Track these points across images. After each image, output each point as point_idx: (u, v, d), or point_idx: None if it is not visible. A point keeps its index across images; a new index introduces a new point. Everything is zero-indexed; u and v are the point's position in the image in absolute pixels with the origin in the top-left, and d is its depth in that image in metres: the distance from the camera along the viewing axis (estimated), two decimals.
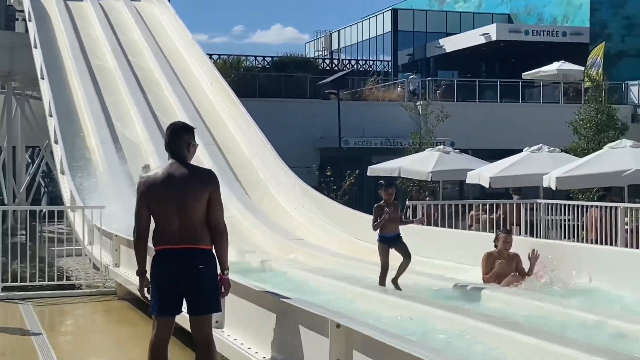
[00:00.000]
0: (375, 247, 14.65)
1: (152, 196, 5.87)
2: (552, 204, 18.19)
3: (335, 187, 27.79)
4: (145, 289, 5.95)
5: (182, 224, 5.77)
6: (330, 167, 28.09)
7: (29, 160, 32.96)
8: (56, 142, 19.45)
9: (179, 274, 5.74)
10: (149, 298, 5.93)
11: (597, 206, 16.34)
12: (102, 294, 12.95)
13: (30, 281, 12.94)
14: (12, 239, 15.63)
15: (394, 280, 10.47)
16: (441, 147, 25.68)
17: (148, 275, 5.95)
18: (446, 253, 12.63)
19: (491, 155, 27.42)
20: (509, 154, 22.60)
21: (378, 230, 10.64)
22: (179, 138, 5.98)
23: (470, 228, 19.82)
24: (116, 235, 12.37)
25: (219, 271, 5.95)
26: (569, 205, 17.47)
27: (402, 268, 10.50)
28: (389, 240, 10.61)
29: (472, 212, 20.09)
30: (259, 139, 20.34)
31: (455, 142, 32.07)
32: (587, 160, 18.47)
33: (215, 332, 6.98)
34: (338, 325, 4.95)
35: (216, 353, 6.04)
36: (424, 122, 31.24)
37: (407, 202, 24.05)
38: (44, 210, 17.74)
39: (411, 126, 33.18)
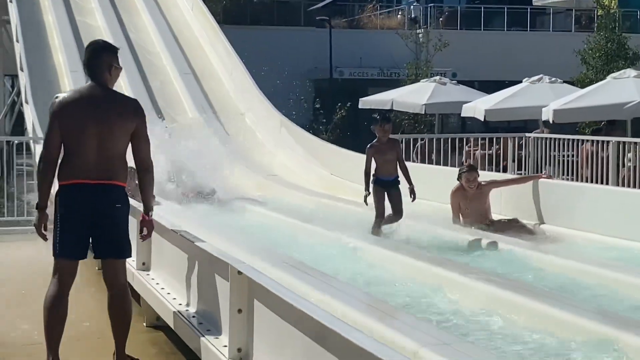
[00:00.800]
0: (355, 186, 13.65)
1: (66, 121, 5.21)
2: (552, 138, 16.95)
3: (324, 121, 26.73)
4: (43, 225, 5.29)
5: (100, 157, 5.15)
6: (323, 99, 27.02)
7: (11, 90, 31.69)
8: (22, 69, 18.23)
9: (92, 212, 5.12)
10: (47, 237, 5.29)
11: (590, 140, 15.16)
12: None
13: None
14: None
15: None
16: (437, 77, 24.34)
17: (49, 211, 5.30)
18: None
19: (497, 87, 26.01)
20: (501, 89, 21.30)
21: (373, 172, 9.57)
22: (98, 58, 5.33)
23: (463, 164, 18.75)
24: None
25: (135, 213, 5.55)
26: (569, 140, 16.22)
27: (387, 221, 9.43)
28: (385, 184, 9.47)
29: (467, 148, 18.93)
30: (239, 69, 19.08)
31: (458, 74, 30.78)
32: (588, 92, 17.24)
33: (141, 275, 6.16)
34: (239, 272, 4.43)
35: (131, 304, 5.38)
36: (423, 52, 29.76)
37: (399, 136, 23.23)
38: (14, 141, 16.62)
39: (411, 56, 31.82)
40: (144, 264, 6.46)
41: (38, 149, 14.03)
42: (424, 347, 4.18)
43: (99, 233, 5.15)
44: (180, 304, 5.40)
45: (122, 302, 5.24)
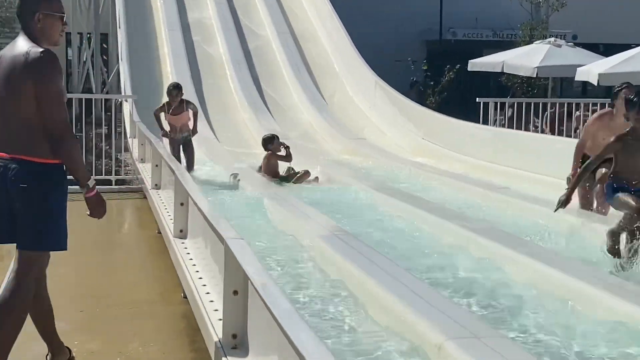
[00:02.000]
0: (445, 152, 12.96)
1: None
2: None
3: (432, 83, 25.85)
4: None
5: (2, 126, 4.26)
6: (434, 60, 26.12)
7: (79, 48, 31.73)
8: (119, 26, 18.22)
9: (3, 193, 4.23)
10: None
11: None
12: (131, 191, 11.73)
13: None
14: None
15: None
16: (552, 39, 23.01)
17: None
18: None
19: (614, 51, 24.46)
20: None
21: None
22: (23, 4, 4.34)
23: (575, 131, 17.73)
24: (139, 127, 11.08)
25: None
26: None
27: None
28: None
29: (578, 113, 17.80)
30: (337, 29, 18.50)
31: (579, 36, 29.19)
32: None
33: (176, 242, 5.70)
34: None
35: (19, 304, 4.25)
36: (541, 11, 28.21)
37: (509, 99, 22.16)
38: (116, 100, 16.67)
39: (527, 17, 30.36)
40: (181, 231, 6.03)
41: (126, 108, 13.94)
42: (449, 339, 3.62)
43: (10, 216, 4.25)
44: (200, 278, 4.95)
45: (8, 295, 4.19)
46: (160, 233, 7.77)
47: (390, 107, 15.47)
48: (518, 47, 25.44)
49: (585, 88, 30.06)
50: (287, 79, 17.16)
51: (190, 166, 11.13)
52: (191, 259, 5.44)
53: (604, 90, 30.20)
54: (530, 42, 25.92)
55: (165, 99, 11.85)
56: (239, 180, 9.81)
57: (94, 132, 13.51)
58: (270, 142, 10.57)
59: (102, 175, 12.07)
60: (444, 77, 26.24)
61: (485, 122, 14.46)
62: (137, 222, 10.04)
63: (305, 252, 6.17)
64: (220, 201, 8.85)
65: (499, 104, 15.03)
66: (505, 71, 23.18)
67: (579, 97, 27.04)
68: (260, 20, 19.65)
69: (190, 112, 11.35)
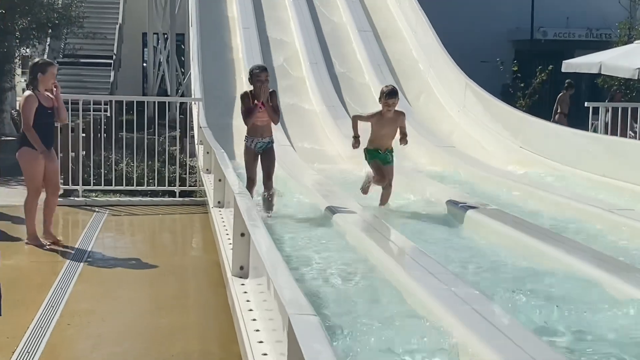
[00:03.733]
0: (547, 162, 11.51)
1: None
2: None
3: (522, 85, 24.28)
4: None
5: None
6: (523, 62, 24.59)
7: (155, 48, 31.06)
8: (191, 24, 17.25)
9: None
10: None
11: None
12: (196, 204, 10.63)
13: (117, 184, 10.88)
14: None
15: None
16: None
17: None
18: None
19: None
20: None
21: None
22: None
23: None
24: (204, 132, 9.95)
25: None
26: None
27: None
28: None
29: None
30: (423, 26, 17.16)
31: None
32: None
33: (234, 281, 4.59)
34: None
35: None
36: (636, 9, 26.39)
37: (607, 104, 20.51)
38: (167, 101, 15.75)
39: (620, 15, 28.46)
40: (241, 268, 4.89)
41: (195, 111, 12.89)
42: None
43: None
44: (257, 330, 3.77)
45: None
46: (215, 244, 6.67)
47: (482, 110, 14.06)
48: (615, 47, 23.78)
49: None
50: (368, 79, 15.90)
51: (268, 181, 8.39)
52: (251, 310, 4.24)
53: None
54: (628, 42, 24.19)
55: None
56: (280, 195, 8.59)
57: (166, 134, 12.54)
58: None
59: (165, 185, 11.03)
60: (535, 78, 24.62)
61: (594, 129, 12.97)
62: (200, 243, 8.92)
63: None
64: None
65: (610, 109, 13.47)
66: (603, 72, 21.51)
67: None
68: (339, 16, 18.46)
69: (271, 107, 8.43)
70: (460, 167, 11.50)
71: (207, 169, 10.00)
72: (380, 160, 8.59)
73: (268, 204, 8.19)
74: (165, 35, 28.24)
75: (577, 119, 21.10)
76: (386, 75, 15.97)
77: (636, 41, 22.22)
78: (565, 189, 9.75)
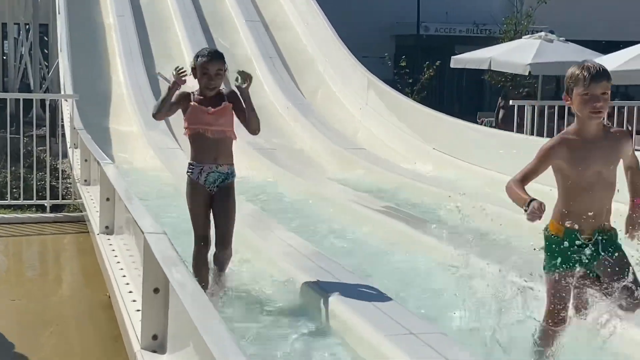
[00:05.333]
0: (464, 165, 10.51)
1: None
2: None
3: (411, 81, 23.51)
4: None
5: None
6: (405, 57, 23.85)
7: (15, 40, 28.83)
8: (58, 12, 15.44)
9: None
10: None
11: None
12: (71, 221, 8.95)
13: None
14: None
15: None
16: (542, 34, 20.93)
17: None
18: None
19: (601, 49, 22.40)
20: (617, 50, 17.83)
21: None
22: None
23: None
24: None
25: None
26: None
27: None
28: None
29: None
30: (316, 17, 15.94)
31: (556, 32, 27.16)
32: None
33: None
34: None
35: None
36: (520, 4, 26.11)
37: (500, 101, 19.94)
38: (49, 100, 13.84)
39: (503, 10, 28.20)
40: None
41: (66, 108, 11.19)
42: None
43: None
44: None
45: None
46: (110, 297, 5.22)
47: (386, 108, 12.95)
48: (500, 42, 23.35)
49: (559, 87, 27.97)
50: (260, 73, 14.55)
51: (223, 249, 5.38)
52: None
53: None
54: (515, 37, 23.82)
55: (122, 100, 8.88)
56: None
57: (34, 133, 10.69)
58: None
59: (32, 199, 9.28)
60: (422, 74, 23.90)
61: (520, 128, 12.12)
62: (80, 276, 7.30)
63: None
64: None
65: (537, 107, 12.60)
66: (492, 68, 21.03)
67: (552, 97, 24.84)
68: (224, 4, 17.01)
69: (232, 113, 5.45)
70: (377, 172, 10.36)
71: (86, 180, 8.41)
72: (583, 267, 3.89)
73: (218, 272, 5.38)
74: (27, 26, 26.03)
75: (471, 116, 20.51)
76: (279, 69, 14.66)
77: (525, 36, 21.83)
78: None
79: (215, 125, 5.28)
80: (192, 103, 5.30)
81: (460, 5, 30.57)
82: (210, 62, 5.22)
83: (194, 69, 5.28)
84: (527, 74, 20.01)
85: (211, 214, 5.32)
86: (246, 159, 10.79)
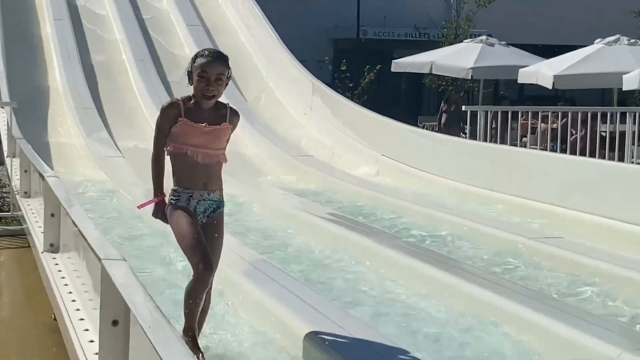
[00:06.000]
0: (410, 171, 10.38)
1: None
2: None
3: (351, 85, 23.41)
4: None
5: None
6: (345, 61, 23.76)
7: None
8: None
9: None
10: None
11: None
12: (8, 235, 8.52)
13: None
14: None
15: None
16: (483, 38, 21.08)
17: None
18: None
19: (540, 52, 22.61)
20: (562, 53, 18.00)
21: None
22: None
23: (522, 139, 15.82)
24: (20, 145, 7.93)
25: None
26: None
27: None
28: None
29: (523, 120, 15.82)
30: (258, 21, 15.68)
31: (493, 35, 27.38)
32: None
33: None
34: None
35: None
36: (460, 8, 26.20)
37: (443, 105, 19.91)
38: None
39: (443, 14, 28.29)
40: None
41: (1, 118, 10.73)
42: None
43: None
44: None
45: None
46: (57, 320, 4.89)
47: (331, 114, 12.76)
48: (441, 46, 23.42)
49: (497, 90, 28.20)
50: None
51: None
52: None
53: (516, 92, 28.76)
54: (455, 41, 23.92)
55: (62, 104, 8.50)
56: None
57: None
58: None
59: None
60: (363, 78, 23.82)
61: (474, 134, 12.05)
62: (21, 295, 6.90)
63: None
64: None
65: (490, 112, 12.54)
66: (434, 72, 21.06)
67: (489, 100, 24.97)
68: (164, 9, 16.63)
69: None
70: (322, 178, 10.15)
71: (26, 192, 8.01)
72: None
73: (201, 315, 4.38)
74: None
75: (412, 120, 20.47)
76: None
77: (466, 40, 21.92)
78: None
79: (209, 148, 4.34)
80: (181, 119, 4.29)
81: (399, 9, 30.57)
82: (211, 64, 4.30)
83: (190, 73, 4.37)
84: (469, 77, 20.10)
85: None
86: None
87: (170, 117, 4.33)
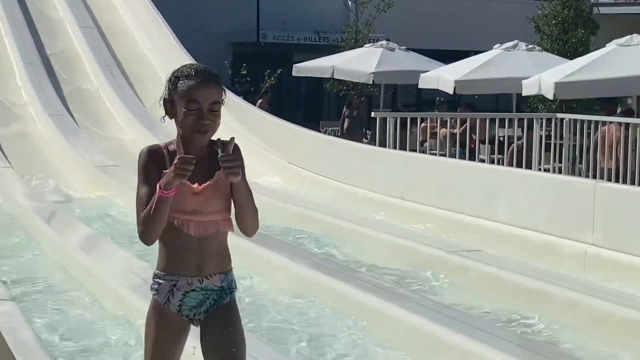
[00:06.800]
0: (324, 182, 10.12)
1: None
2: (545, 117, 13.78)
3: (252, 90, 23.13)
4: None
5: None
6: (246, 65, 23.54)
7: None
8: None
9: None
10: None
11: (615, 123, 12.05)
12: None
13: None
14: None
15: None
16: (384, 42, 21.14)
17: None
18: None
19: (440, 58, 22.80)
20: (454, 59, 18.21)
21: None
22: None
23: (423, 144, 15.90)
24: None
25: None
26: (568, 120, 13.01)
27: None
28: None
29: (425, 125, 15.91)
30: (156, 23, 15.17)
31: (392, 39, 27.55)
32: (592, 62, 14.08)
33: None
34: None
35: None
36: (360, 12, 26.25)
37: (345, 110, 19.79)
38: None
39: (343, 19, 28.30)
40: None
41: None
42: None
43: None
44: None
45: None
46: None
47: (234, 119, 12.38)
48: (340, 51, 23.39)
49: (395, 95, 28.38)
50: (97, 83, 13.61)
51: None
52: None
53: (414, 97, 29.04)
54: (355, 46, 23.93)
55: None
56: None
57: None
58: None
59: None
60: (263, 82, 23.55)
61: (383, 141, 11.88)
62: None
63: None
64: None
65: (399, 119, 12.38)
66: (336, 77, 21.04)
67: (387, 105, 25.01)
68: (55, 11, 15.90)
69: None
70: None
71: None
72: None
73: None
74: None
75: (314, 125, 20.28)
76: (118, 78, 13.79)
77: (366, 45, 21.91)
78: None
79: (204, 214, 3.07)
80: (166, 171, 3.01)
81: (299, 13, 30.43)
82: (202, 87, 3.13)
83: (168, 102, 3.20)
84: (370, 82, 20.08)
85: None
86: (86, 177, 9.98)
87: (155, 170, 3.06)
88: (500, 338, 4.94)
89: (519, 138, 13.52)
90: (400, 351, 4.92)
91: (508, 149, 13.55)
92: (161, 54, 14.75)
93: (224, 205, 3.12)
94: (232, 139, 3.16)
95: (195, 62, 3.18)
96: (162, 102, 3.23)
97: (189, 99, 3.13)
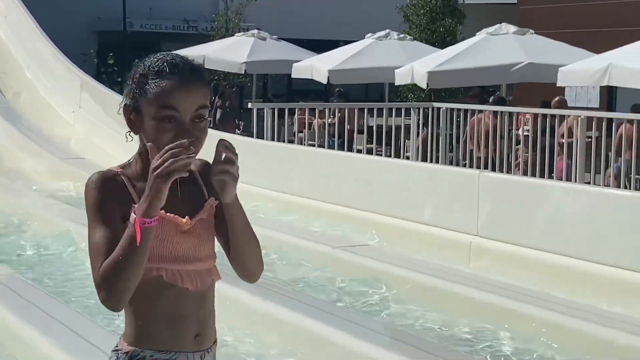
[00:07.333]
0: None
1: None
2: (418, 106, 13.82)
3: (119, 80, 22.32)
4: None
5: None
6: (108, 54, 22.69)
7: None
8: None
9: None
10: None
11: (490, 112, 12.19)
12: None
13: None
14: None
15: None
16: (255, 32, 20.89)
17: None
18: None
19: (308, 47, 22.68)
20: (325, 48, 18.17)
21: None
22: None
23: (299, 134, 15.75)
24: None
25: None
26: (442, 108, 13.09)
27: None
28: None
29: (300, 116, 15.72)
30: (17, 10, 14.34)
31: (263, 29, 27.30)
32: (464, 50, 14.26)
33: None
34: None
35: None
36: (230, 1, 25.79)
37: (217, 100, 19.39)
38: None
39: (211, 7, 27.79)
40: None
41: None
42: None
43: None
44: None
45: None
46: None
47: (102, 111, 11.82)
48: (211, 40, 22.96)
49: (265, 85, 28.20)
50: None
51: None
52: None
53: (285, 87, 28.86)
54: (226, 35, 23.54)
55: None
56: None
57: None
58: None
59: None
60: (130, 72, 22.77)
61: (261, 133, 11.54)
62: None
63: None
64: None
65: (277, 110, 12.04)
66: (207, 66, 20.45)
67: (259, 95, 24.79)
68: None
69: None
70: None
71: None
72: None
73: None
74: None
75: None
76: None
77: (237, 34, 21.57)
78: None
79: (200, 260, 2.19)
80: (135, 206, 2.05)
81: (167, 1, 29.73)
82: (183, 87, 2.11)
83: (132, 108, 2.16)
84: (242, 72, 19.76)
85: None
86: None
87: (114, 203, 2.12)
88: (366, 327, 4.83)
89: (397, 128, 13.52)
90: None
91: (384, 139, 13.56)
92: (22, 42, 13.97)
93: (213, 245, 2.23)
94: (221, 140, 2.06)
95: (169, 52, 2.16)
96: (121, 109, 2.18)
97: (162, 105, 2.09)
